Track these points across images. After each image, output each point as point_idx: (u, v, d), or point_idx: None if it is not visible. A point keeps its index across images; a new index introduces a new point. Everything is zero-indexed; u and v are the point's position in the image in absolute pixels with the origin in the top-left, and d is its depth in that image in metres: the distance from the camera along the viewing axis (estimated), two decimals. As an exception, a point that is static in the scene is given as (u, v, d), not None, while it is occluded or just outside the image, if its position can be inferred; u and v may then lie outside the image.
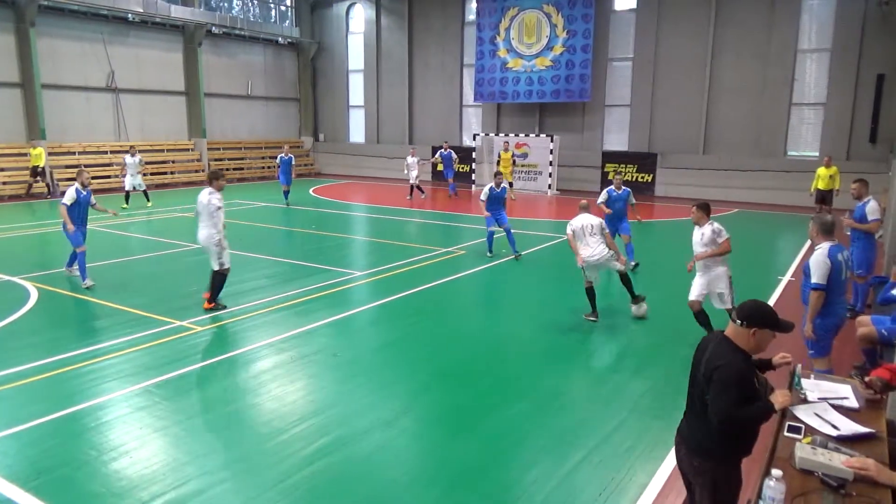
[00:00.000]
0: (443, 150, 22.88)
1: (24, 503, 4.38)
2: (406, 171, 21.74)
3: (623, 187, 11.64)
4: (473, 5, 26.61)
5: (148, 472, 4.82)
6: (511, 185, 12.26)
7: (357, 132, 31.36)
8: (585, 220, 8.63)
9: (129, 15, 24.06)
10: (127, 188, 18.57)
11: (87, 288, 9.71)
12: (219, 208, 8.64)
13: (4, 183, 20.74)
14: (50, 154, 22.05)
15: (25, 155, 21.73)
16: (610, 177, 23.67)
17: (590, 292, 8.54)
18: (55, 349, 7.36)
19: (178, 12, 25.12)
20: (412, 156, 21.82)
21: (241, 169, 28.14)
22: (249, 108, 29.61)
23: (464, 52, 27.39)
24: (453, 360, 7.25)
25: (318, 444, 5.23)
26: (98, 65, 23.65)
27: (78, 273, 10.08)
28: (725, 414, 3.10)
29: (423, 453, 5.26)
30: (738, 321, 3.20)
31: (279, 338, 7.82)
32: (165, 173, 25.42)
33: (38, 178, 21.05)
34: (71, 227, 9.72)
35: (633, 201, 11.69)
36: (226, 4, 29.04)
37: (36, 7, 21.08)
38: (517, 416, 5.77)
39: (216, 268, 8.61)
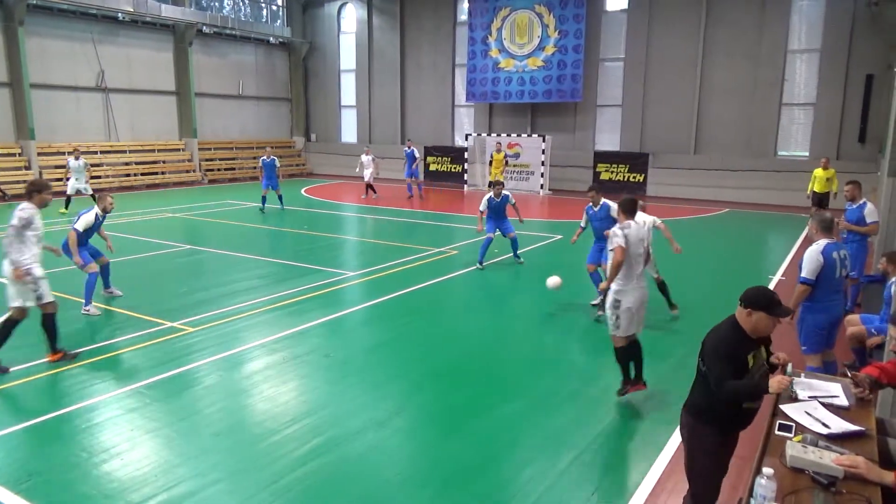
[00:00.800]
0: (406, 149, 22.66)
1: (14, 506, 4.35)
2: (359, 170, 21.62)
3: (603, 201, 8.85)
4: (465, 5, 26.63)
5: (139, 473, 4.80)
6: (502, 184, 11.81)
7: (349, 132, 31.30)
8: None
9: (120, 14, 23.89)
10: (69, 192, 17.56)
11: (88, 314, 8.56)
12: (24, 227, 6.59)
13: (-7, 183, 20.54)
14: (39, 154, 21.90)
15: (14, 155, 21.58)
16: (602, 177, 23.82)
17: (594, 274, 8.90)
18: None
19: (169, 12, 24.99)
20: (366, 154, 21.71)
21: (233, 169, 28.03)
22: (241, 108, 29.49)
23: (456, 52, 27.40)
24: (446, 360, 7.25)
25: (311, 445, 5.22)
26: (88, 64, 23.49)
27: (119, 292, 9.36)
28: (717, 381, 3.39)
29: (417, 453, 5.26)
30: (740, 302, 3.50)
31: (271, 338, 7.79)
32: (156, 174, 25.28)
33: None
34: (77, 257, 8.53)
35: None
36: (216, 4, 28.91)
37: (25, 6, 20.91)
38: (511, 416, 5.77)
39: (32, 303, 6.78)
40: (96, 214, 8.91)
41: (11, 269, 6.62)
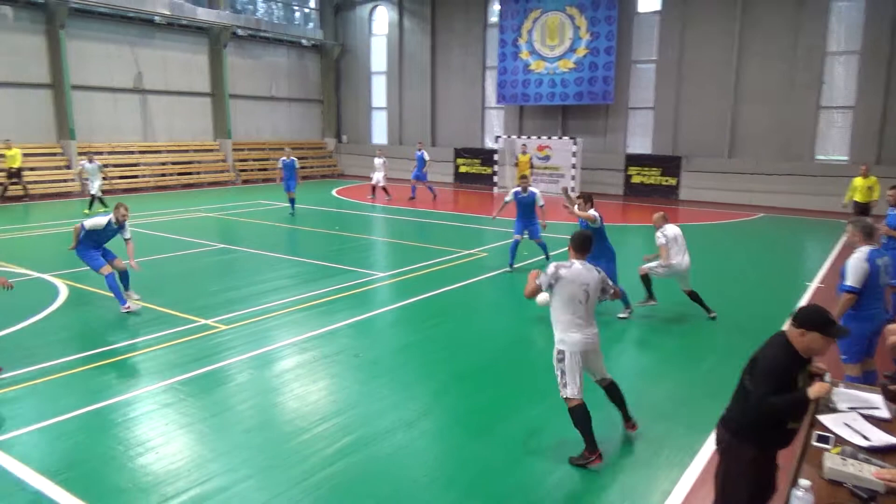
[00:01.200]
0: (416, 151, 22.51)
1: (53, 496, 4.47)
2: (373, 172, 21.65)
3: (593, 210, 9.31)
4: (496, 7, 26.61)
5: (173, 467, 4.89)
6: (527, 177, 11.54)
7: (380, 133, 31.51)
8: (678, 231, 8.71)
9: (156, 17, 24.43)
10: (93, 192, 17.96)
11: (129, 311, 8.72)
12: None
13: (36, 182, 21.12)
14: (79, 154, 22.46)
15: (55, 154, 22.19)
16: (633, 180, 23.59)
17: (646, 279, 8.80)
18: (83, 346, 7.50)
19: (204, 14, 25.50)
20: (379, 156, 21.74)
21: (266, 169, 28.39)
22: (273, 110, 29.89)
23: (486, 54, 27.40)
24: (474, 362, 7.24)
25: (341, 444, 5.26)
26: (125, 66, 24.04)
27: (136, 296, 9.18)
28: (761, 398, 3.26)
29: (444, 454, 5.26)
30: (793, 321, 3.37)
31: (302, 337, 7.88)
32: (191, 174, 25.75)
33: (15, 179, 19.98)
34: (72, 246, 8.88)
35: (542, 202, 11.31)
36: (251, 7, 29.34)
37: (66, 10, 21.50)
38: (537, 419, 5.75)
39: None
40: (109, 222, 8.85)
41: None
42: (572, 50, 24.32)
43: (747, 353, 3.56)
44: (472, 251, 13.12)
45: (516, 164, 22.68)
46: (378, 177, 21.39)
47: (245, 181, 27.26)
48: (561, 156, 24.14)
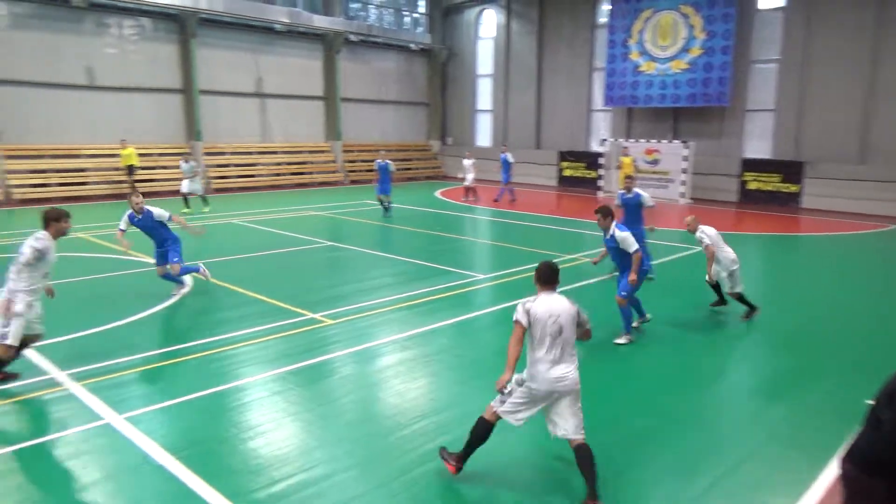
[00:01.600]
0: (501, 154, 22.26)
1: (174, 470, 4.82)
2: (462, 173, 21.80)
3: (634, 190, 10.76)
4: (605, 7, 26.04)
5: (280, 453, 5.15)
6: (632, 178, 11.05)
7: (484, 136, 31.68)
8: (715, 230, 8.91)
9: (276, 25, 25.83)
10: (183, 191, 18.37)
11: (205, 277, 9.78)
12: (35, 259, 6.21)
13: (165, 179, 22.88)
14: (205, 154, 24.17)
15: (185, 154, 23.91)
16: (749, 186, 22.35)
17: (717, 286, 8.92)
18: (203, 333, 8.04)
19: (320, 22, 26.72)
20: (468, 158, 21.86)
21: (373, 170, 29.21)
22: (381, 112, 30.79)
23: (594, 56, 26.88)
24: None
25: (438, 442, 5.33)
26: (247, 72, 25.60)
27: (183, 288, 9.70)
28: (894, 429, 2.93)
29: (539, 460, 5.21)
30: None
31: (403, 335, 8.05)
32: (303, 174, 27.01)
33: (133, 176, 21.41)
34: (123, 241, 9.26)
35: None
36: (363, 13, 30.36)
37: (196, 20, 23.20)
38: (640, 432, 5.57)
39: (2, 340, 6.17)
40: (130, 215, 9.27)
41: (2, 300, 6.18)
42: (685, 50, 23.36)
43: (869, 377, 3.28)
44: (573, 255, 12.91)
45: (619, 167, 22.07)
46: (468, 178, 21.60)
47: (353, 181, 28.22)
48: (670, 160, 23.25)
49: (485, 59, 30.93)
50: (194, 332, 8.12)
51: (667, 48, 23.89)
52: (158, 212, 9.31)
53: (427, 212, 19.72)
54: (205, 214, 18.02)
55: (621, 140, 24.85)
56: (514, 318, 4.59)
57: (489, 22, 30.51)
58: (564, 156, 27.46)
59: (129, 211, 9.30)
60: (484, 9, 30.44)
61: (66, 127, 21.46)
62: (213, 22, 24.25)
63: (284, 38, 26.56)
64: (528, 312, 4.54)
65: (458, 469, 4.75)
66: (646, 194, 10.86)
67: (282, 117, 27.03)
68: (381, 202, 18.26)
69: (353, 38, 28.51)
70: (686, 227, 9.06)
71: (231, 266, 11.77)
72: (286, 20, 25.57)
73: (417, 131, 32.66)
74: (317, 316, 8.69)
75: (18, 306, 6.15)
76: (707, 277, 8.88)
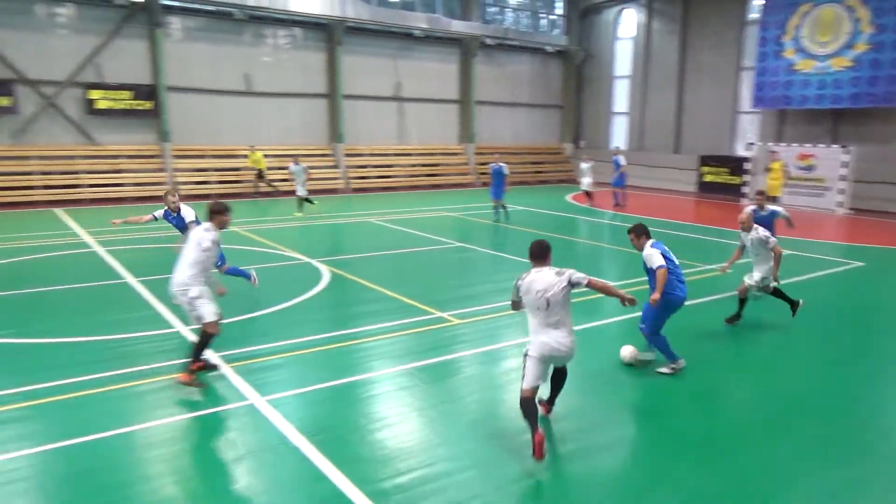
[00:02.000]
0: (614, 156, 21.70)
1: (307, 453, 5.15)
2: (580, 177, 21.35)
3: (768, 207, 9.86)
4: (757, 3, 24.38)
5: (405, 446, 5.34)
6: (776, 199, 10.11)
7: (619, 139, 30.80)
8: None
9: (415, 31, 26.68)
10: (300, 194, 18.55)
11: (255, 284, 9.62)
12: (209, 249, 6.55)
13: (311, 179, 24.35)
14: (346, 155, 25.52)
15: (327, 156, 25.40)
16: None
17: (778, 291, 8.70)
18: (338, 325, 8.50)
19: (458, 26, 27.28)
20: (585, 161, 21.36)
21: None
22: (513, 115, 30.86)
23: (742, 54, 25.27)
24: (706, 384, 6.77)
25: (559, 452, 5.29)
26: (386, 77, 26.67)
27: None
28: None
29: (663, 476, 4.99)
30: None
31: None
32: (437, 175, 27.70)
33: (262, 179, 22.84)
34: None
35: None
36: (500, 17, 30.58)
37: (343, 28, 24.53)
38: (780, 458, 5.19)
39: (201, 322, 6.56)
40: (165, 212, 9.33)
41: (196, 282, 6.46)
42: (849, 46, 21.33)
43: None
44: (711, 266, 12.22)
45: (767, 170, 20.54)
46: (586, 181, 21.20)
47: (484, 184, 28.42)
48: (827, 166, 21.33)
49: (622, 59, 30.07)
50: (330, 324, 8.61)
51: (827, 44, 21.94)
52: (187, 212, 9.28)
53: (557, 216, 19.51)
54: (313, 215, 18.49)
55: (770, 144, 23.16)
56: (513, 299, 5.42)
57: (629, 22, 29.62)
58: (706, 160, 26.04)
59: (166, 208, 9.38)
60: (623, 8, 29.60)
61: (224, 129, 23.49)
62: (357, 30, 25.51)
63: (422, 44, 27.37)
64: (517, 288, 5.36)
65: (542, 435, 4.93)
66: (782, 210, 10.03)
67: (418, 120, 27.90)
68: (495, 206, 18.14)
69: (489, 41, 28.82)
70: (740, 225, 8.55)
71: (366, 263, 12.36)
72: (425, 26, 26.38)
73: (550, 134, 32.39)
74: (445, 315, 8.90)
75: (195, 290, 6.44)
76: (774, 282, 8.43)
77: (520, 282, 5.31)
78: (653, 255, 6.82)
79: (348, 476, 4.80)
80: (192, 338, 7.36)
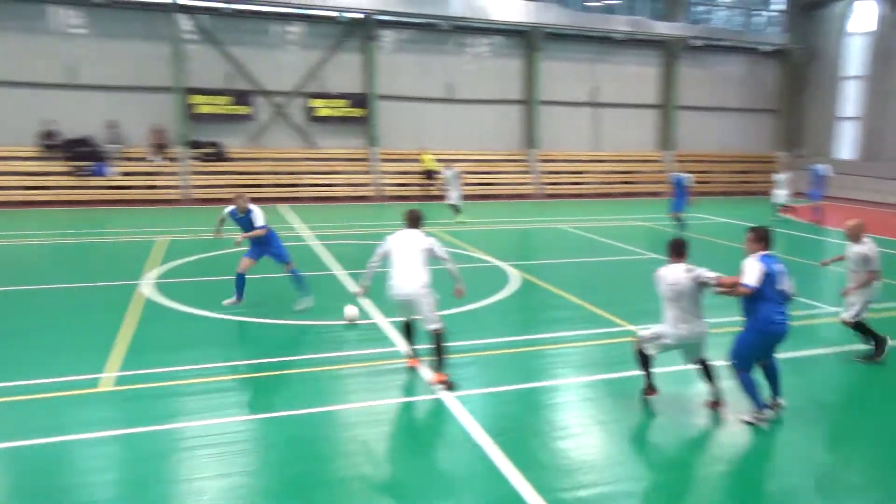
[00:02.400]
0: (810, 166, 19.46)
1: (489, 452, 5.29)
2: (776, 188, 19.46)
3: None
4: None
5: (587, 459, 5.29)
6: None
7: (846, 147, 27.43)
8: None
9: (615, 34, 26.02)
10: (451, 201, 18.19)
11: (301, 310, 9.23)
12: (430, 249, 6.80)
13: (502, 184, 24.92)
14: (539, 161, 25.67)
15: (519, 161, 25.77)
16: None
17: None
18: (525, 329, 8.63)
19: (662, 28, 26.16)
20: (783, 172, 19.43)
21: (706, 182, 27.58)
22: (718, 120, 28.85)
23: None
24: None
25: (751, 489, 4.89)
26: (583, 81, 26.37)
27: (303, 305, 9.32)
28: None
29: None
30: None
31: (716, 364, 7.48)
32: (632, 183, 26.80)
33: (432, 180, 23.24)
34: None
35: None
36: (707, 16, 28.75)
37: (541, 34, 24.71)
38: None
39: (433, 326, 6.71)
40: (232, 211, 9.31)
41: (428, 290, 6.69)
42: None
43: None
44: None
45: None
46: (782, 194, 19.41)
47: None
48: None
49: (853, 58, 26.74)
50: (518, 328, 8.78)
51: None
52: (257, 215, 9.31)
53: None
54: (465, 223, 17.99)
55: None
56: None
57: (862, 15, 26.24)
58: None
59: (233, 208, 9.40)
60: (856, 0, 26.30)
61: (426, 135, 24.79)
62: (555, 35, 25.53)
63: (622, 47, 26.65)
64: (656, 277, 5.94)
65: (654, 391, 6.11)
66: None
67: (613, 126, 27.23)
68: (676, 219, 16.87)
69: (696, 42, 27.25)
70: (847, 230, 7.24)
71: (555, 269, 12.39)
72: (627, 28, 25.65)
73: (760, 141, 29.74)
74: (633, 328, 8.59)
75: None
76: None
77: (658, 273, 6.11)
78: (752, 269, 5.65)
79: (529, 481, 4.85)
80: (398, 334, 7.75)
